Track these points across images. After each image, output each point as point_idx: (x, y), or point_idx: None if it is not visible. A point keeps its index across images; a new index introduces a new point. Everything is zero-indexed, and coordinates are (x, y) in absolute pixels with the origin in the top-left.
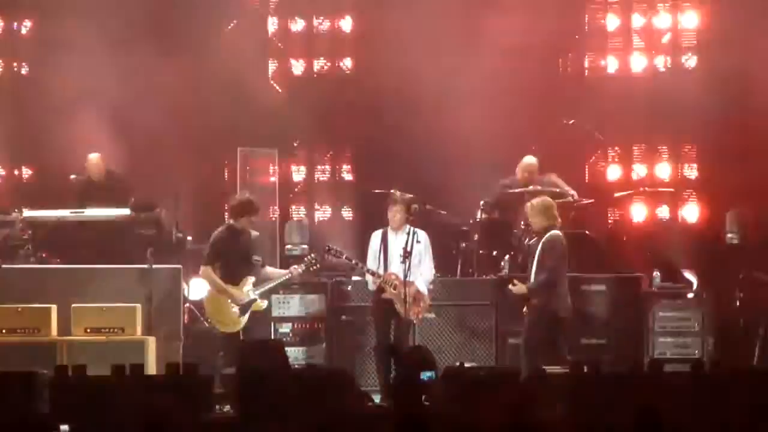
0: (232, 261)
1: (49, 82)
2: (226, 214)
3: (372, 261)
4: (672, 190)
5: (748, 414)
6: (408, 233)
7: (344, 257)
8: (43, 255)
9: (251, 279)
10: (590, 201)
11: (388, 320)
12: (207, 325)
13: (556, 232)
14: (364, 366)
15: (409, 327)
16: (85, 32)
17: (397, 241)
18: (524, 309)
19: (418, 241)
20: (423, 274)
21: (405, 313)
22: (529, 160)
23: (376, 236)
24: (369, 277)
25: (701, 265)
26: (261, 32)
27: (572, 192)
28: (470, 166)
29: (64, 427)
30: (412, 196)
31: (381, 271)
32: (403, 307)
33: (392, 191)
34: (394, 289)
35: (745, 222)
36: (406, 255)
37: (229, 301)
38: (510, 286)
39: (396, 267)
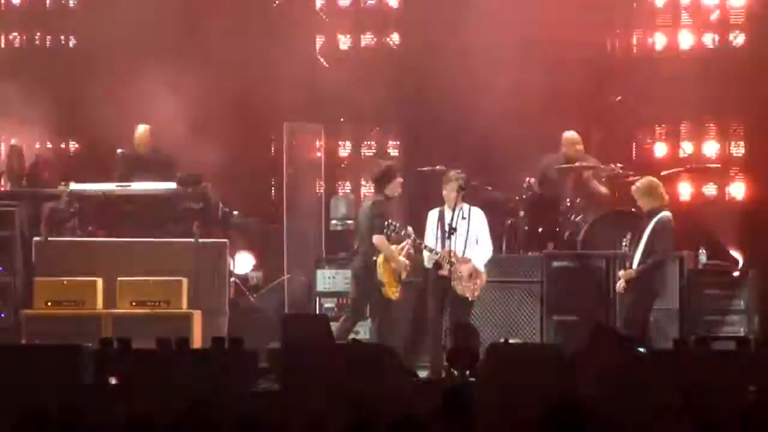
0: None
1: (97, 55)
2: (374, 184)
3: (430, 239)
4: (719, 167)
5: None
6: (463, 211)
7: (403, 233)
8: (90, 228)
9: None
10: (636, 177)
11: (442, 297)
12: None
13: (666, 213)
14: (410, 342)
15: (466, 304)
16: (134, 5)
17: (453, 219)
18: (620, 286)
19: (465, 218)
20: (481, 251)
21: (461, 291)
22: (571, 133)
23: (433, 215)
24: (426, 254)
25: (747, 243)
26: (308, 7)
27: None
28: (515, 143)
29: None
30: (464, 175)
31: (438, 249)
32: (459, 284)
33: (439, 168)
34: (451, 266)
35: None
36: (452, 231)
37: (395, 268)
38: (620, 272)
39: (452, 244)
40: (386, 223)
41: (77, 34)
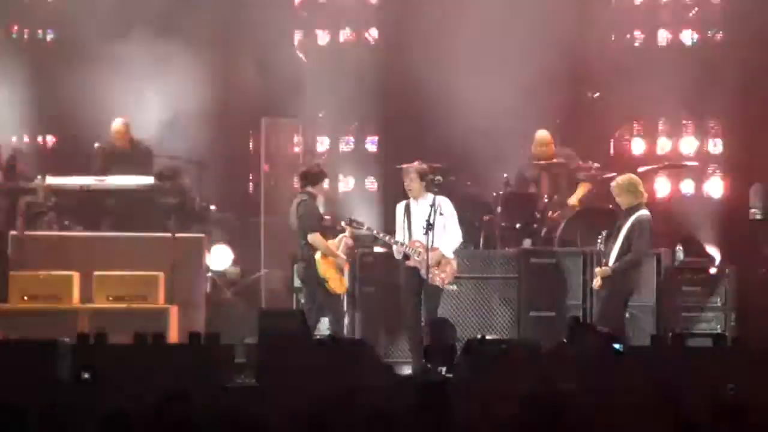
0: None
1: (74, 50)
2: (301, 182)
3: (399, 232)
4: (696, 164)
5: None
6: (432, 203)
7: (365, 228)
8: (66, 222)
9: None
10: (613, 174)
11: (415, 288)
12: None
13: (644, 212)
14: (387, 337)
15: (436, 293)
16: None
17: (419, 211)
18: (596, 283)
19: (441, 213)
20: (448, 239)
21: (431, 279)
22: (541, 134)
23: (400, 207)
24: (395, 247)
25: (724, 241)
26: (286, 2)
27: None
28: (495, 139)
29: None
30: (426, 166)
31: (406, 241)
32: (429, 273)
33: (403, 166)
34: (418, 256)
35: None
36: (429, 227)
37: (336, 263)
38: (596, 269)
39: (420, 236)
40: (348, 219)
41: (55, 27)
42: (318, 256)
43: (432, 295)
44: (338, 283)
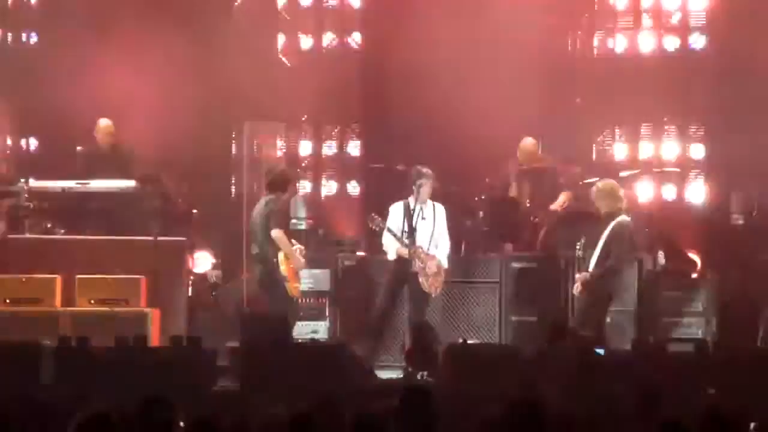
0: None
1: (57, 53)
2: (268, 191)
3: (394, 230)
4: (678, 170)
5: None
6: (432, 207)
7: (386, 229)
8: (48, 225)
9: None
10: (594, 180)
11: (399, 289)
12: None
13: (624, 218)
14: (368, 341)
15: (427, 299)
16: (92, 3)
17: (422, 215)
18: (576, 289)
19: (432, 214)
20: (443, 248)
21: (427, 287)
22: (526, 142)
23: (397, 209)
24: (391, 246)
25: (706, 246)
26: (270, 6)
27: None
28: (477, 144)
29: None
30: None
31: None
32: (426, 281)
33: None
34: (422, 263)
35: (750, 203)
36: (413, 230)
37: (294, 266)
38: (576, 275)
39: (421, 240)
40: (371, 215)
41: (38, 31)
42: (281, 255)
43: (422, 300)
44: (296, 285)
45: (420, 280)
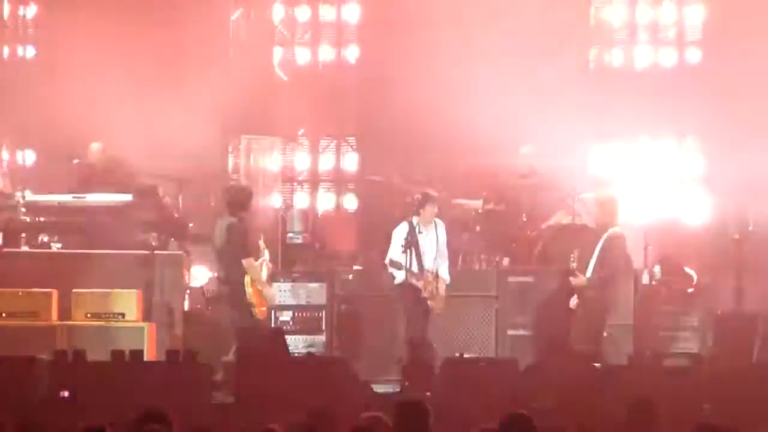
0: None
1: (55, 67)
2: (230, 210)
3: (398, 253)
4: (672, 184)
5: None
6: (434, 226)
7: (403, 269)
8: (45, 239)
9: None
10: (589, 195)
11: (417, 298)
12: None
13: (617, 230)
14: (364, 355)
15: (429, 318)
16: (91, 17)
17: (428, 236)
18: (573, 304)
19: (436, 233)
20: (446, 266)
21: (434, 306)
22: (525, 150)
23: (402, 230)
24: (400, 274)
25: (702, 260)
26: (267, 20)
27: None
28: (474, 157)
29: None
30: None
31: (414, 266)
32: (437, 303)
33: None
34: (433, 288)
35: (746, 217)
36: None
37: (260, 290)
38: (571, 278)
39: (427, 262)
40: (389, 259)
41: (36, 45)
42: (248, 279)
43: (426, 320)
44: (263, 309)
45: (429, 303)
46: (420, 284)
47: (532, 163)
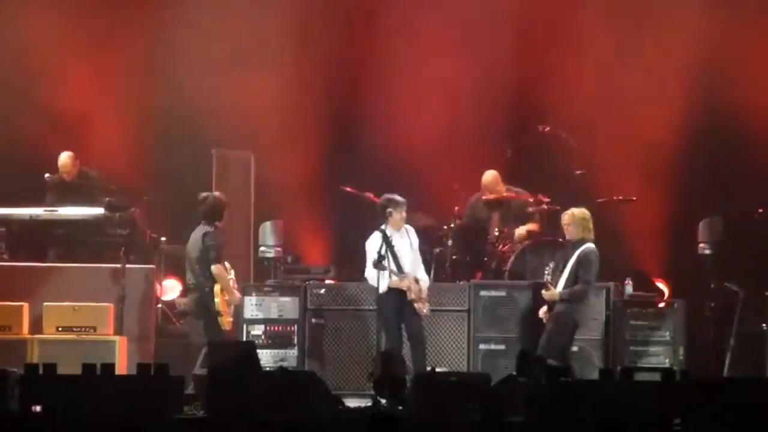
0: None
1: (23, 81)
2: (206, 221)
3: (377, 263)
4: (635, 198)
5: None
6: (405, 232)
7: (388, 269)
8: (16, 252)
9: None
10: (559, 209)
11: (397, 307)
12: (179, 325)
13: (590, 245)
14: (336, 369)
15: (419, 314)
16: (59, 32)
17: (401, 241)
18: (542, 314)
19: (409, 239)
20: (422, 268)
21: (419, 309)
22: (488, 176)
23: (376, 239)
24: (383, 281)
25: (673, 275)
26: None
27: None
28: (444, 171)
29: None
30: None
31: (395, 271)
32: (422, 305)
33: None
34: (418, 290)
35: (718, 232)
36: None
37: (228, 300)
38: (543, 291)
39: (406, 266)
40: (379, 255)
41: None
42: (217, 288)
43: (420, 325)
44: (229, 319)
45: (416, 306)
46: (405, 285)
47: (494, 183)
